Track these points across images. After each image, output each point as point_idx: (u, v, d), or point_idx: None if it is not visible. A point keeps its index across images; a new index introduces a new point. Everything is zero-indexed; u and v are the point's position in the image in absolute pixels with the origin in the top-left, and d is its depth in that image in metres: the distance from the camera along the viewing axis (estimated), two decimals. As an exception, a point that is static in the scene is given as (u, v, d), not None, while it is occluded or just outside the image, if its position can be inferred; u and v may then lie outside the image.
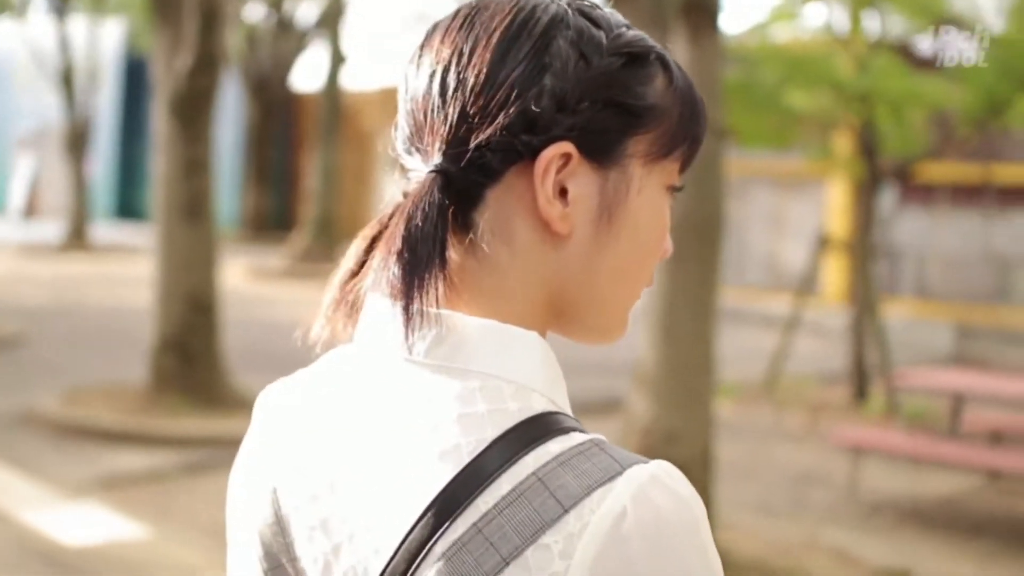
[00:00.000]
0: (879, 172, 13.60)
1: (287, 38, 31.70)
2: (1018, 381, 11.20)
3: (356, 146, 33.06)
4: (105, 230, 32.50)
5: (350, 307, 1.21)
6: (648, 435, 6.76)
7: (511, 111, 1.11)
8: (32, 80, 32.83)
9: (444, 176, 1.14)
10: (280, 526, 1.19)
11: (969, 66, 14.43)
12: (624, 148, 1.15)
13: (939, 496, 9.20)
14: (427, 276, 1.10)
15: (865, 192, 14.21)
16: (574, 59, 1.13)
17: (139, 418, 10.08)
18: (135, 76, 36.19)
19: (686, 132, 1.19)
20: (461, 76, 1.13)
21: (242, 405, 10.36)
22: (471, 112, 1.13)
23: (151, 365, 10.74)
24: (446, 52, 1.15)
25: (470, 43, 1.14)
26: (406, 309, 1.11)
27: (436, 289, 1.11)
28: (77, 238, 28.22)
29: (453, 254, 1.13)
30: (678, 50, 6.48)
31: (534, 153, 1.12)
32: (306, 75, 33.82)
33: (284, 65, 32.08)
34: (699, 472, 6.63)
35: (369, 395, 1.14)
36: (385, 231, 1.17)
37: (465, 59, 1.13)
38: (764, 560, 6.92)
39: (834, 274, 20.82)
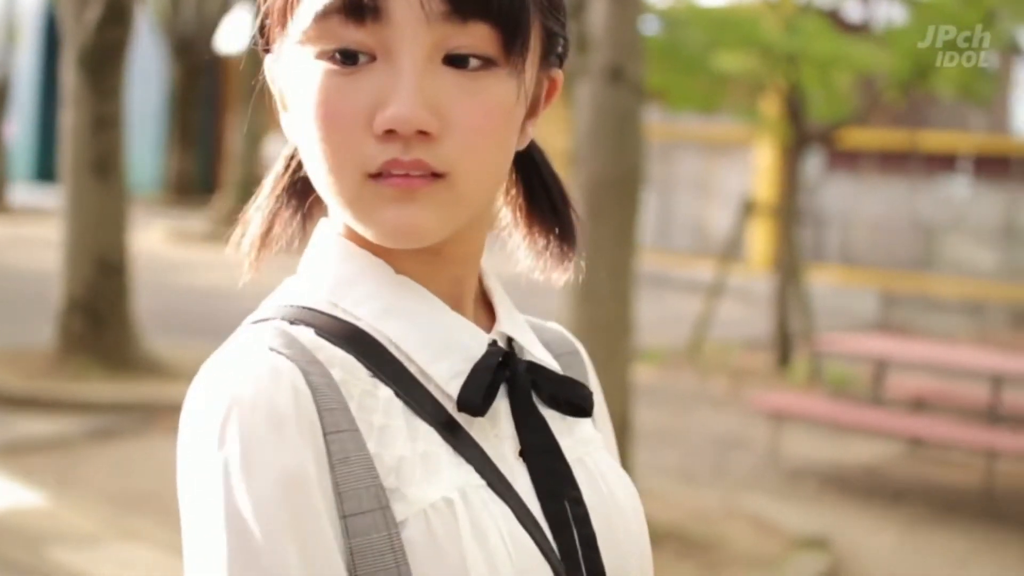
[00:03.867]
0: (806, 136, 13.51)
1: (212, -2, 31.19)
2: (940, 348, 11.16)
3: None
4: (25, 193, 31.90)
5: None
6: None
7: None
8: (-52, 38, 32.11)
9: None
10: None
11: (895, 30, 14.44)
12: (274, 39, 1.15)
13: (860, 463, 9.12)
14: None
15: (791, 157, 14.14)
16: None
17: (44, 382, 9.75)
18: (55, 35, 35.52)
19: None
20: None
21: (153, 369, 10.08)
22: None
23: (57, 328, 10.39)
24: None
25: None
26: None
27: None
28: (-5, 200, 27.66)
29: None
30: (596, 3, 6.28)
31: None
32: (232, 36, 33.36)
33: (209, 26, 31.56)
34: (616, 436, 6.46)
35: None
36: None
37: None
38: (683, 527, 6.78)
39: (760, 240, 20.76)
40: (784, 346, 13.07)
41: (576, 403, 1.20)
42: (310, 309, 1.14)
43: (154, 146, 33.06)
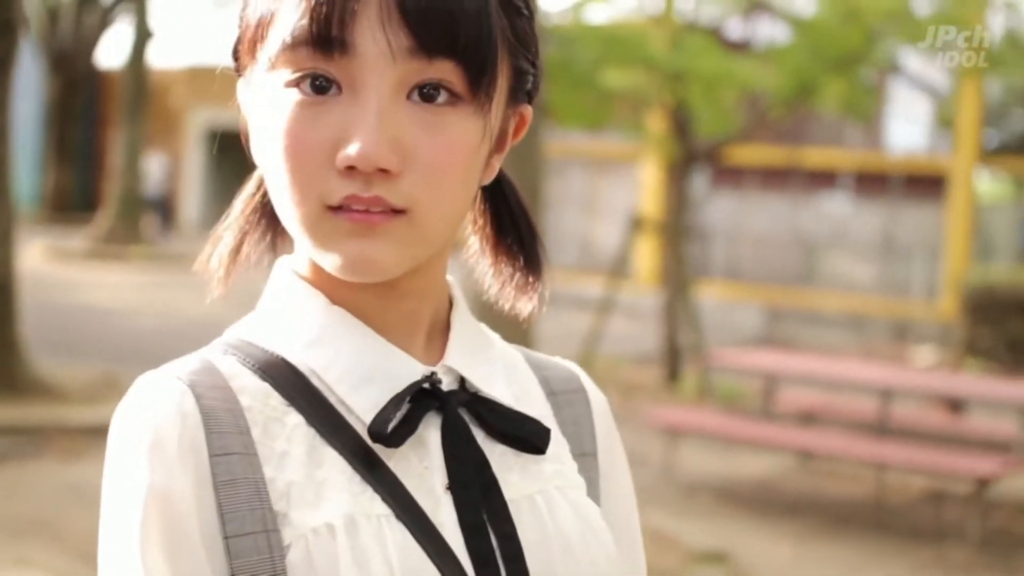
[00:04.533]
0: (693, 153, 13.66)
1: (91, 12, 30.70)
2: (829, 362, 11.33)
3: (163, 124, 32.24)
4: None
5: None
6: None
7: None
8: None
9: None
10: None
11: (779, 48, 14.67)
12: (246, 64, 1.16)
13: (753, 477, 9.22)
14: None
15: (678, 173, 14.28)
16: None
17: (-75, 405, 9.49)
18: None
19: (257, 16, 1.12)
20: None
21: (42, 391, 9.86)
22: None
23: (-59, 349, 10.11)
24: None
25: None
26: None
27: None
28: None
29: None
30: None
31: None
32: (112, 51, 32.91)
33: (88, 40, 31.07)
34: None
35: None
36: None
37: None
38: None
39: (646, 256, 20.92)
40: (673, 361, 13.17)
41: (525, 439, 1.19)
42: (247, 341, 1.18)
43: (31, 162, 32.43)
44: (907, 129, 27.12)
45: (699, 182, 20.39)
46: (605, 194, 23.19)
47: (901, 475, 9.11)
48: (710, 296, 18.24)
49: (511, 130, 1.20)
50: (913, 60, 18.06)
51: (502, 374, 1.24)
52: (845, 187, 20.96)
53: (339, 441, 1.11)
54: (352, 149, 1.04)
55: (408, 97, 1.07)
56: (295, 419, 1.12)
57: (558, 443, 1.26)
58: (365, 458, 1.11)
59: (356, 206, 1.06)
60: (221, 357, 1.16)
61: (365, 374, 1.14)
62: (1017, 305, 14.94)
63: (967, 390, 9.85)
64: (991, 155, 23.54)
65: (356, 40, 1.05)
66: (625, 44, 13.32)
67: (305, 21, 1.05)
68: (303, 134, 1.07)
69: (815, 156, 21.32)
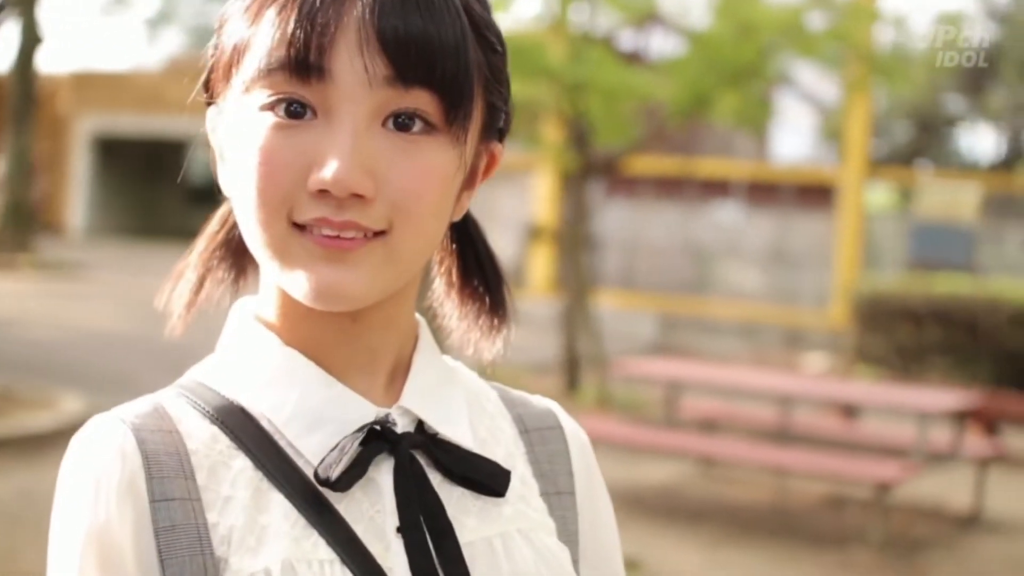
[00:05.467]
0: (590, 163, 13.75)
1: (-27, 16, 30.08)
2: (727, 370, 11.49)
3: (51, 131, 31.67)
4: None
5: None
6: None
7: None
8: None
9: None
10: None
11: (675, 60, 14.85)
12: (219, 90, 1.15)
13: (658, 484, 9.31)
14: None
15: (574, 183, 14.36)
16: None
17: None
18: None
19: (232, 42, 1.11)
20: None
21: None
22: None
23: None
24: None
25: None
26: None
27: None
28: None
29: None
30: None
31: None
32: (-3, 56, 32.29)
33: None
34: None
35: None
36: None
37: None
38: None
39: (540, 265, 21.03)
40: (572, 370, 13.24)
41: (482, 482, 1.18)
42: (202, 383, 1.17)
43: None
44: (793, 140, 27.58)
45: (594, 191, 20.54)
46: (500, 203, 23.24)
47: (800, 481, 9.28)
48: (605, 305, 18.36)
49: (481, 167, 1.19)
50: (804, 73, 18.38)
51: (465, 414, 1.22)
52: (737, 197, 21.24)
53: (287, 485, 1.10)
54: (327, 172, 1.03)
55: (383, 125, 1.06)
56: (241, 463, 1.11)
57: (525, 484, 1.25)
58: (313, 502, 1.10)
59: (327, 230, 1.05)
60: (174, 400, 1.15)
61: (315, 417, 1.13)
62: (905, 313, 15.25)
63: (863, 397, 10.05)
64: (878, 166, 24.01)
65: (334, 66, 1.04)
66: (524, 55, 13.36)
67: (283, 47, 1.04)
68: (276, 155, 1.05)
69: (708, 166, 21.60)
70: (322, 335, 1.15)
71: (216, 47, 1.14)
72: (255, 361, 1.16)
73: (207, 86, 1.17)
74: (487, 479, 1.18)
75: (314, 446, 1.12)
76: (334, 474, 1.09)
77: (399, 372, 1.20)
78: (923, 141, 35.61)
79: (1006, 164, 32.79)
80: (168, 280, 1.25)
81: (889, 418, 11.37)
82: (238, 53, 1.09)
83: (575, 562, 1.27)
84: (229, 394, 1.15)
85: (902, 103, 30.04)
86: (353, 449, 1.11)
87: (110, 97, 31.97)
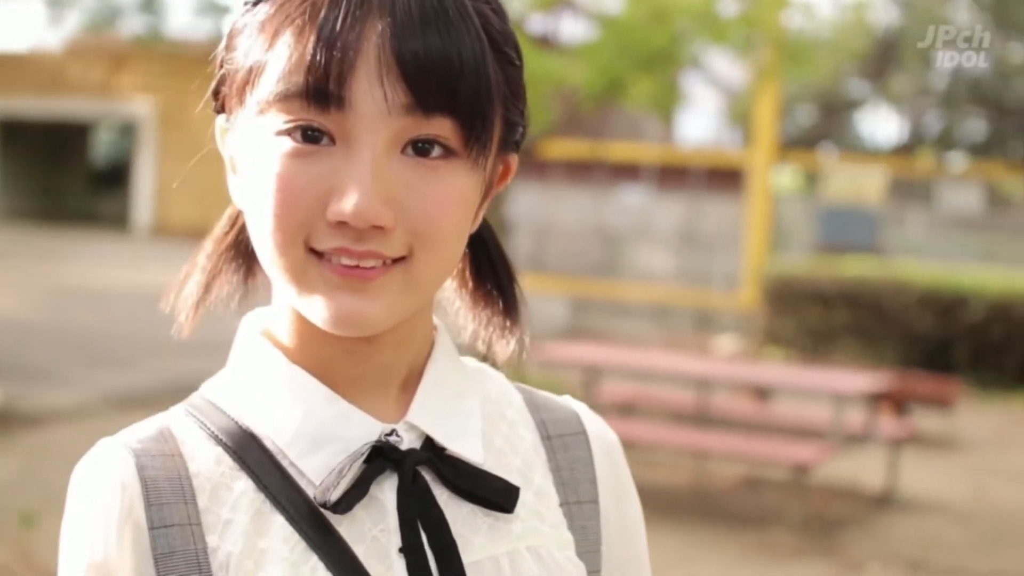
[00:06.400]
0: (505, 148, 13.77)
1: None
2: (644, 353, 11.59)
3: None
4: None
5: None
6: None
7: None
8: None
9: None
10: None
11: (588, 45, 14.90)
12: (232, 107, 1.14)
13: (578, 467, 9.36)
14: None
15: (490, 168, 14.35)
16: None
17: None
18: None
19: (249, 63, 1.10)
20: None
21: None
22: None
23: None
24: None
25: None
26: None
27: None
28: None
29: None
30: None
31: None
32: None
33: None
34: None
35: None
36: None
37: None
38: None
39: (452, 249, 20.97)
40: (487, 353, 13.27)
41: (490, 499, 1.16)
42: (211, 402, 1.17)
43: None
44: (700, 123, 27.83)
45: (505, 175, 20.57)
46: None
47: (719, 463, 9.41)
48: (518, 288, 18.42)
49: (496, 178, 1.18)
50: (715, 58, 18.54)
51: (477, 426, 1.20)
52: (647, 180, 21.39)
53: (289, 507, 1.10)
54: (346, 205, 1.02)
55: (402, 151, 1.05)
56: (244, 485, 1.11)
57: (542, 496, 1.23)
58: (315, 524, 1.09)
59: (346, 259, 1.05)
60: (182, 419, 1.15)
61: (318, 436, 1.12)
62: (814, 295, 15.49)
63: (779, 380, 10.20)
64: (785, 149, 24.29)
65: (353, 96, 1.03)
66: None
67: (301, 72, 1.03)
68: (293, 182, 1.04)
69: (617, 150, 21.73)
70: (334, 354, 1.15)
71: (226, 56, 1.13)
72: (261, 379, 1.16)
73: (216, 95, 1.17)
74: (495, 495, 1.16)
75: (317, 466, 1.11)
76: (332, 497, 1.09)
77: (411, 383, 1.19)
78: (827, 125, 36.13)
79: (908, 148, 33.39)
80: (175, 281, 1.24)
81: (801, 400, 11.54)
82: (255, 74, 1.07)
83: (597, 572, 1.26)
84: (235, 413, 1.15)
85: (806, 87, 30.42)
86: (353, 470, 1.10)
87: (10, 79, 31.37)
